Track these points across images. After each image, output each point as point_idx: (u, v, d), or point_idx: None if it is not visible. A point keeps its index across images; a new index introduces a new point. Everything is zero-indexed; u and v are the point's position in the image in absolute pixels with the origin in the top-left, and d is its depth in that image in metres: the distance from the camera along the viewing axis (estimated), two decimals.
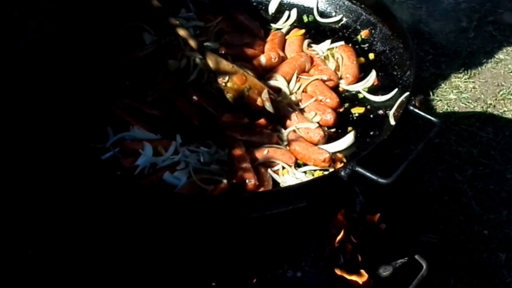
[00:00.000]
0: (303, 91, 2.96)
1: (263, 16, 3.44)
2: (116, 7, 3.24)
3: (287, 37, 3.25)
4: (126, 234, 2.77)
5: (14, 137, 2.86)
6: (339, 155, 2.69)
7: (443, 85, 4.95)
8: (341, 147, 2.72)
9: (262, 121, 2.80)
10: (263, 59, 3.06)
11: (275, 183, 2.61)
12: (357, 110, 2.90)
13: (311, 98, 2.90)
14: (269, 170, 2.62)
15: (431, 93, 4.87)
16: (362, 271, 2.79)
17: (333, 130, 2.82)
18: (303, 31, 3.26)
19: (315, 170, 2.65)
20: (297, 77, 3.00)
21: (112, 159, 2.68)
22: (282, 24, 3.38)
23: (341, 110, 2.90)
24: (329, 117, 2.82)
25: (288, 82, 2.97)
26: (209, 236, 2.57)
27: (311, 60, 3.08)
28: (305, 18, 3.39)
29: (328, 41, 3.21)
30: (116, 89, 2.99)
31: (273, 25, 3.38)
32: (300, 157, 2.68)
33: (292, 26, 3.36)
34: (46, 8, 3.04)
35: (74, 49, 3.00)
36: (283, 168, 2.64)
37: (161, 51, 3.14)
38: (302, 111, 2.88)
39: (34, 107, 2.73)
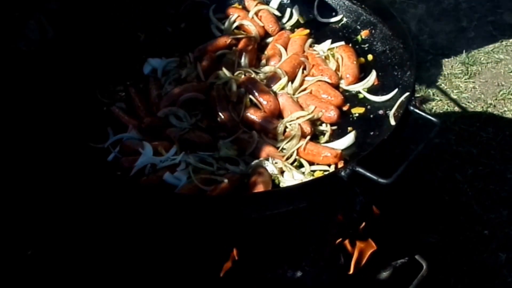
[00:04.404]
0: (303, 90, 2.98)
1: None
2: (116, 7, 3.25)
3: (291, 35, 3.25)
4: (126, 234, 2.77)
5: (15, 137, 2.87)
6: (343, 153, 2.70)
7: (443, 85, 4.96)
8: (341, 147, 2.72)
9: None
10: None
11: (275, 183, 2.61)
12: (357, 110, 2.90)
13: (314, 98, 2.90)
14: (269, 170, 2.62)
15: (431, 93, 4.87)
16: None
17: (334, 128, 2.82)
18: (307, 31, 3.26)
19: (314, 171, 2.65)
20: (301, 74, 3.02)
21: (112, 159, 2.69)
22: (285, 23, 3.38)
23: (345, 108, 2.91)
24: (332, 114, 2.82)
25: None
26: (209, 236, 2.57)
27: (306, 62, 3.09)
28: (305, 18, 3.39)
29: (329, 41, 3.21)
30: (116, 89, 3.00)
31: None
32: (306, 153, 2.68)
33: (295, 26, 3.36)
34: (47, 8, 3.04)
35: (75, 49, 3.00)
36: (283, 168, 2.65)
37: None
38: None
39: (35, 107, 2.74)
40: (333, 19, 3.35)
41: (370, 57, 3.12)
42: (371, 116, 2.87)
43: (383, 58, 3.09)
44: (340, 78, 3.04)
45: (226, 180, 2.53)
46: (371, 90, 2.98)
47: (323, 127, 2.83)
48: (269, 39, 3.29)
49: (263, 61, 3.14)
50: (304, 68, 3.07)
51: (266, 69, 3.07)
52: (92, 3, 3.17)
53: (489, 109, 4.73)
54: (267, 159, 2.66)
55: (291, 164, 2.66)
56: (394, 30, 3.08)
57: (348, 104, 2.93)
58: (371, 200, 2.92)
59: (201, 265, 2.75)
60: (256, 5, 3.40)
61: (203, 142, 2.73)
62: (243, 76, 2.99)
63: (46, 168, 2.83)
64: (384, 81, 3.00)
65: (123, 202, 2.52)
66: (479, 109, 4.74)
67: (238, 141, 2.74)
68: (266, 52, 3.19)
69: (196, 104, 2.89)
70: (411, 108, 2.61)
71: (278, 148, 2.73)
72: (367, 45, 3.19)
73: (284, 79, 2.98)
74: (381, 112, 2.86)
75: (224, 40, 3.18)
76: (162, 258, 2.77)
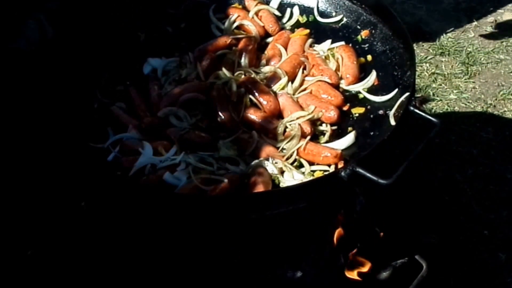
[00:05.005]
0: (303, 90, 2.98)
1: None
2: (116, 7, 3.25)
3: (291, 35, 3.25)
4: (126, 234, 2.77)
5: (14, 137, 2.87)
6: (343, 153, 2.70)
7: (443, 85, 4.96)
8: (341, 147, 2.72)
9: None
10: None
11: (275, 183, 2.61)
12: (357, 110, 2.90)
13: (314, 98, 2.90)
14: (269, 170, 2.62)
15: (431, 93, 4.87)
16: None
17: (334, 128, 2.82)
18: (307, 31, 3.26)
19: (314, 171, 2.65)
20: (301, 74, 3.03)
21: (112, 159, 2.69)
22: (285, 23, 3.39)
23: (345, 108, 2.91)
24: (332, 114, 2.82)
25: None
26: (209, 237, 2.57)
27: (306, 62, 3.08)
28: (305, 18, 3.39)
29: (329, 41, 3.21)
30: (116, 89, 3.00)
31: None
32: (306, 153, 2.68)
33: (295, 26, 3.36)
34: (47, 8, 3.04)
35: (75, 49, 3.00)
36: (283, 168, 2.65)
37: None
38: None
39: (35, 107, 2.74)
40: (333, 19, 3.35)
41: (370, 57, 3.12)
42: (371, 116, 2.87)
43: (383, 58, 3.09)
44: (340, 78, 3.04)
45: (226, 180, 2.53)
46: (371, 90, 2.98)
47: (323, 127, 2.83)
48: (269, 39, 3.29)
49: (263, 61, 3.14)
50: (304, 68, 3.07)
51: (266, 69, 3.07)
52: (92, 3, 3.17)
53: (489, 109, 4.73)
54: (267, 159, 2.66)
55: (291, 164, 2.66)
56: (394, 30, 3.08)
57: (348, 104, 2.93)
58: (371, 200, 2.92)
59: (201, 265, 2.75)
60: (256, 5, 3.40)
61: (203, 142, 2.73)
62: (243, 76, 2.99)
63: (46, 168, 2.83)
64: (384, 81, 3.00)
65: (123, 202, 2.52)
66: (479, 109, 4.74)
67: (238, 141, 2.74)
68: (266, 52, 3.19)
69: (196, 104, 2.89)
70: (411, 108, 2.61)
71: (278, 148, 2.73)
72: (367, 45, 3.19)
73: (284, 79, 2.98)
74: (381, 112, 2.86)
75: (224, 40, 3.18)
76: (162, 258, 2.77)
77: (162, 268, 2.78)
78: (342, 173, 2.36)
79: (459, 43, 5.32)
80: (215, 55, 3.11)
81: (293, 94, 2.96)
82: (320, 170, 2.65)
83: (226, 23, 3.32)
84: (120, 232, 2.78)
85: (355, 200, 2.87)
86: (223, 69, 3.01)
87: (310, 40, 3.23)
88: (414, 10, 5.66)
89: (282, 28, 3.35)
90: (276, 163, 2.65)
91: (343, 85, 3.02)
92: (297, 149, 2.69)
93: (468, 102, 4.81)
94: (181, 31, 3.35)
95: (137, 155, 2.64)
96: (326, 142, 2.77)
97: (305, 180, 2.59)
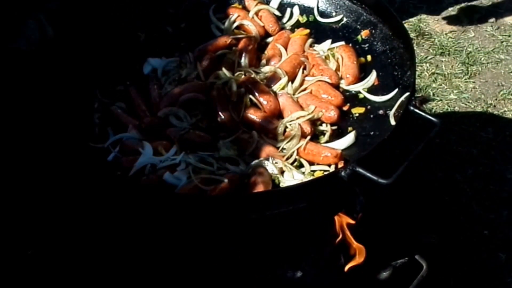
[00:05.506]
0: (303, 90, 2.98)
1: None
2: (116, 7, 3.25)
3: (291, 35, 3.25)
4: (126, 234, 2.77)
5: (14, 136, 2.87)
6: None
7: (443, 85, 4.95)
8: (341, 147, 2.72)
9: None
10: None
11: (275, 183, 2.61)
12: (357, 110, 2.90)
13: (314, 98, 2.90)
14: (269, 170, 2.62)
15: (431, 93, 4.87)
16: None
17: (334, 128, 2.82)
18: (307, 31, 3.26)
19: (314, 171, 2.65)
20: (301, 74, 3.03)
21: (112, 159, 2.69)
22: (285, 23, 3.39)
23: (345, 108, 2.91)
24: (333, 114, 2.82)
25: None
26: (209, 237, 2.57)
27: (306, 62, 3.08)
28: (305, 18, 3.39)
29: (329, 41, 3.21)
30: (116, 89, 3.00)
31: None
32: (306, 153, 2.68)
33: (295, 26, 3.36)
34: (47, 8, 3.04)
35: (75, 49, 3.00)
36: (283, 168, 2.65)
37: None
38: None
39: (35, 107, 2.74)
40: (333, 19, 3.35)
41: (370, 57, 3.12)
42: (371, 116, 2.87)
43: (383, 58, 3.09)
44: (340, 78, 3.04)
45: (226, 180, 2.53)
46: (371, 90, 2.98)
47: (323, 127, 2.83)
48: (269, 39, 3.29)
49: (263, 61, 3.14)
50: (304, 68, 3.07)
51: (266, 69, 3.07)
52: (92, 3, 3.17)
53: (489, 109, 4.73)
54: (267, 159, 2.66)
55: (291, 164, 2.67)
56: (394, 30, 3.08)
57: (348, 104, 2.93)
58: (371, 200, 2.92)
59: (201, 265, 2.75)
60: (256, 5, 3.40)
61: (203, 142, 2.73)
62: (243, 76, 2.99)
63: (46, 168, 2.83)
64: (384, 81, 3.00)
65: (123, 202, 2.52)
66: (479, 109, 4.74)
67: (238, 141, 2.74)
68: (266, 52, 3.19)
69: (196, 104, 2.89)
70: (411, 108, 2.61)
71: (278, 148, 2.73)
72: (367, 45, 3.19)
73: (284, 79, 2.98)
74: (381, 112, 2.87)
75: (224, 40, 3.18)
76: (162, 258, 2.77)
77: (162, 268, 2.78)
78: (342, 173, 2.36)
79: (459, 43, 5.32)
80: (215, 55, 3.11)
81: (293, 94, 2.96)
82: (320, 170, 2.65)
83: (226, 23, 3.33)
84: (120, 232, 2.78)
85: (355, 200, 2.87)
86: (223, 69, 3.01)
87: (310, 40, 3.23)
88: (414, 10, 5.66)
89: (282, 28, 3.35)
90: (276, 163, 2.65)
91: (343, 85, 3.02)
92: (297, 149, 2.69)
93: (468, 102, 4.80)
94: (181, 31, 3.35)
95: (137, 155, 2.64)
96: (326, 142, 2.77)
97: (305, 180, 2.59)
